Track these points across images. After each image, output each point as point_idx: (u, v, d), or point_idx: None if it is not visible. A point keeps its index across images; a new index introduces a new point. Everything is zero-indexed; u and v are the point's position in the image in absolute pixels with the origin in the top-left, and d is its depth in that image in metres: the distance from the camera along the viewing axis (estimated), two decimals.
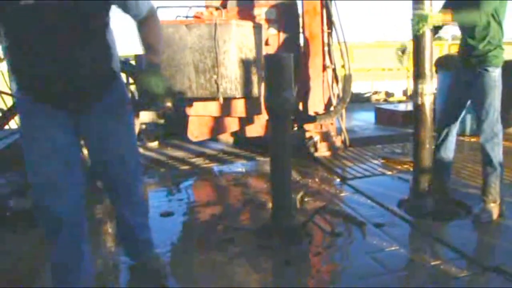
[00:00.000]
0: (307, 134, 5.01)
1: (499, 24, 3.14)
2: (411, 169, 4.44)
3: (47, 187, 2.06)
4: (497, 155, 3.26)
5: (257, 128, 5.06)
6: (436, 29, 3.33)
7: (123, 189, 2.35)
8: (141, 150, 5.47)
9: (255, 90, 4.61)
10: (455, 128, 3.47)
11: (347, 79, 4.99)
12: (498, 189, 3.26)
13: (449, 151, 3.52)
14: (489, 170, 3.27)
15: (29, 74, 2.02)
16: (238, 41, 4.44)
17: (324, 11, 5.01)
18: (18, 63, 2.02)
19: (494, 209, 3.24)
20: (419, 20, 3.11)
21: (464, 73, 3.29)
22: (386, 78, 11.27)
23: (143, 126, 6.00)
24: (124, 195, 2.37)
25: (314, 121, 4.87)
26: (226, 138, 5.70)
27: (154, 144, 5.86)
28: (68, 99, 2.07)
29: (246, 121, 5.03)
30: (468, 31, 3.22)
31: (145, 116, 6.04)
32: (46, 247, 2.30)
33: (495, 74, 3.16)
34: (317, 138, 4.99)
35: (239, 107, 4.86)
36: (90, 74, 2.06)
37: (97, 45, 2.06)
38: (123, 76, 5.54)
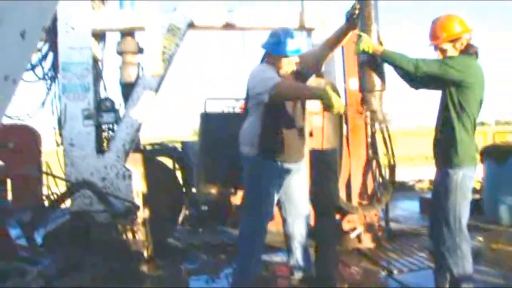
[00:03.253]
0: (351, 225, 4.94)
1: (462, 113, 2.83)
2: None
3: (268, 214, 3.40)
4: (460, 269, 2.89)
5: None
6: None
7: (304, 215, 3.42)
8: (182, 235, 5.51)
9: None
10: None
11: (391, 169, 4.99)
12: None
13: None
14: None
15: (283, 143, 3.25)
16: None
17: None
18: (276, 137, 3.26)
19: None
20: (358, 41, 3.04)
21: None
22: (429, 165, 11.10)
23: (186, 212, 6.07)
24: (304, 221, 3.44)
25: (358, 212, 4.82)
26: None
27: (197, 229, 5.88)
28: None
29: None
30: (436, 123, 3.04)
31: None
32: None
33: (457, 177, 2.82)
34: (360, 229, 4.91)
35: None
36: None
37: None
38: (170, 162, 5.71)
